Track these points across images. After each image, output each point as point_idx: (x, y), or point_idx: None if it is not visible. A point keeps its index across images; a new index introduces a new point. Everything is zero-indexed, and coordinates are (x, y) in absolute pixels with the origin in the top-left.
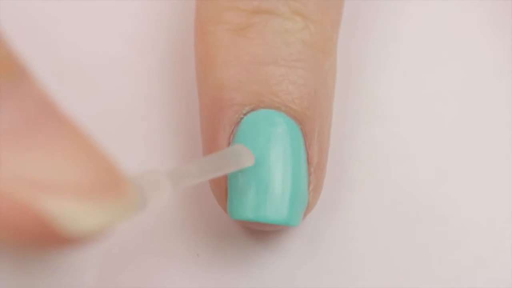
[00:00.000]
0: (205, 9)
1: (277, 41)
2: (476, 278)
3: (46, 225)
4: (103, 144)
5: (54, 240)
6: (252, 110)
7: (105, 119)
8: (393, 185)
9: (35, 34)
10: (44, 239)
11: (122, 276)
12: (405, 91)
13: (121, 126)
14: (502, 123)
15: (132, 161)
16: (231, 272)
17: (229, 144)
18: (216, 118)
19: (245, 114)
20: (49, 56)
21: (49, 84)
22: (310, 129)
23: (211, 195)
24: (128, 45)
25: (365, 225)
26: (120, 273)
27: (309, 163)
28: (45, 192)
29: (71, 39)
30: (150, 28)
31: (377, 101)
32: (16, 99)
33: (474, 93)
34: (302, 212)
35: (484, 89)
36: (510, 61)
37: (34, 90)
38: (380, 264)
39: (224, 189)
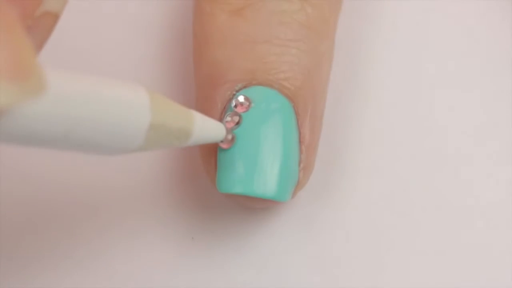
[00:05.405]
0: None
1: (272, 20)
2: (471, 264)
3: None
4: None
5: None
6: (245, 87)
7: None
8: (387, 169)
9: None
10: None
11: (117, 260)
12: (401, 77)
13: None
14: (500, 111)
15: None
16: (226, 256)
17: (220, 121)
18: (209, 94)
19: (237, 91)
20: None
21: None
22: (303, 108)
23: (205, 179)
24: (128, 26)
25: (358, 208)
26: (115, 257)
27: (301, 141)
28: None
29: (72, 23)
30: (150, 9)
31: (373, 87)
32: None
33: (472, 80)
34: (291, 188)
35: (481, 76)
36: (510, 48)
37: None
38: (373, 245)
39: (213, 163)
